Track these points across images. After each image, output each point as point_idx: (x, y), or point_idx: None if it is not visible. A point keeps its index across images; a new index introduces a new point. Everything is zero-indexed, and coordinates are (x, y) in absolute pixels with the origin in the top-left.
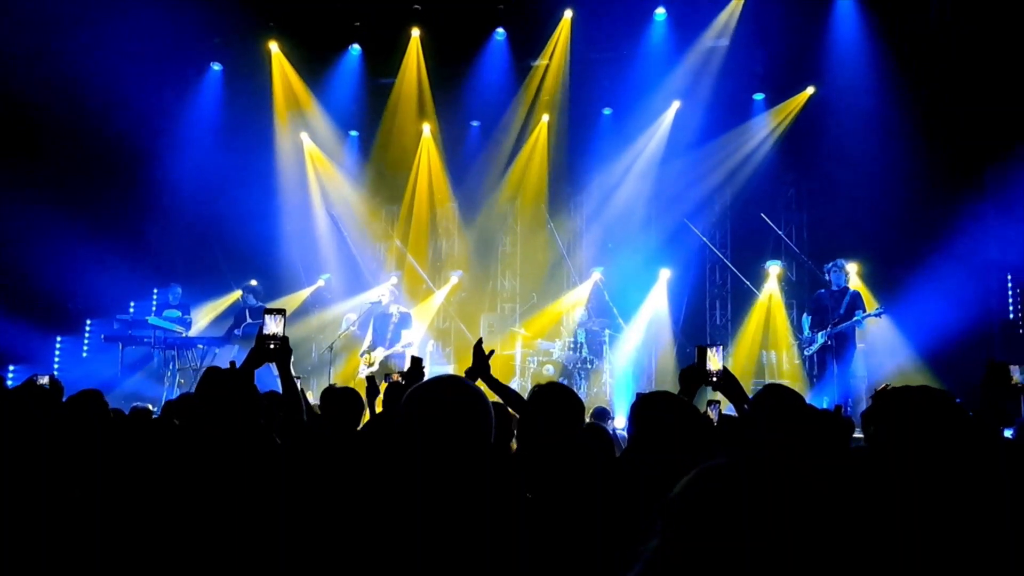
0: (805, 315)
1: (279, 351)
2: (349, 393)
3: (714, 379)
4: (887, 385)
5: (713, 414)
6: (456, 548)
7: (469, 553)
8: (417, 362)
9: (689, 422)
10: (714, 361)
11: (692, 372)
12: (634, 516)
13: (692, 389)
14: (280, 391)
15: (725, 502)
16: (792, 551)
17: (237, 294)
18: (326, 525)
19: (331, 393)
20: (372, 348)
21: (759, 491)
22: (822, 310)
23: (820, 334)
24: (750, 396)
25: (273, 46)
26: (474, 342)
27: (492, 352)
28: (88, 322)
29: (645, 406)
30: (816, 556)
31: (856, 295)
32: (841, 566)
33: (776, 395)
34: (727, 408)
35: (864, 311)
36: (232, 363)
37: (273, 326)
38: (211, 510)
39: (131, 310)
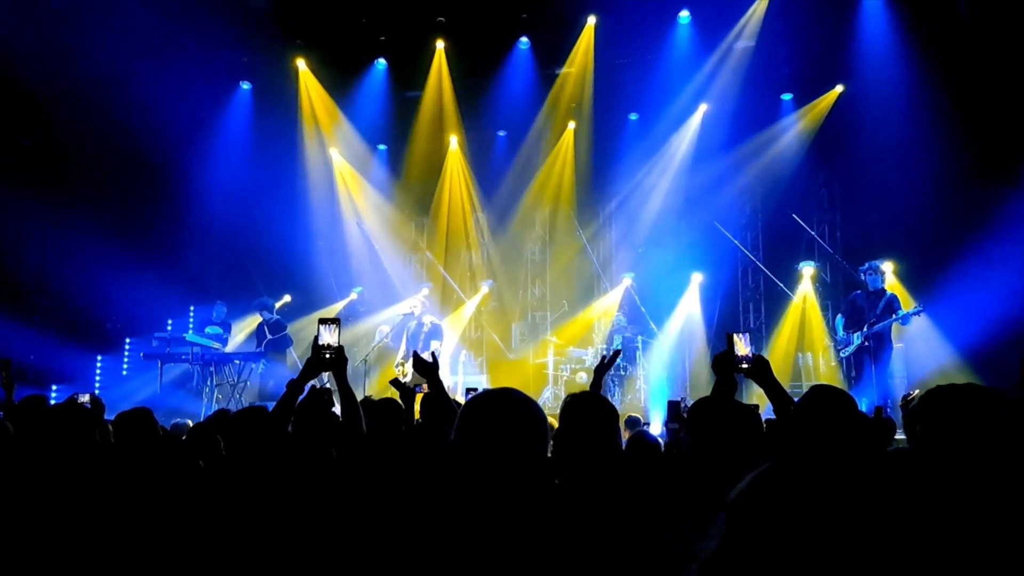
0: (839, 316)
1: (335, 360)
2: (389, 403)
3: (744, 364)
4: (912, 395)
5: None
6: (504, 560)
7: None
8: (418, 358)
9: (742, 426)
10: (741, 346)
11: (722, 359)
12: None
13: (726, 376)
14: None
15: (787, 502)
16: (850, 552)
17: None
18: (387, 534)
19: (369, 404)
20: (406, 359)
21: (819, 492)
22: (858, 311)
23: (856, 335)
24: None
25: (300, 63)
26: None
27: (434, 355)
28: (127, 340)
29: (701, 412)
30: (873, 556)
31: (893, 297)
32: (898, 565)
33: (826, 397)
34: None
35: (902, 310)
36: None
37: (328, 336)
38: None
39: (168, 328)
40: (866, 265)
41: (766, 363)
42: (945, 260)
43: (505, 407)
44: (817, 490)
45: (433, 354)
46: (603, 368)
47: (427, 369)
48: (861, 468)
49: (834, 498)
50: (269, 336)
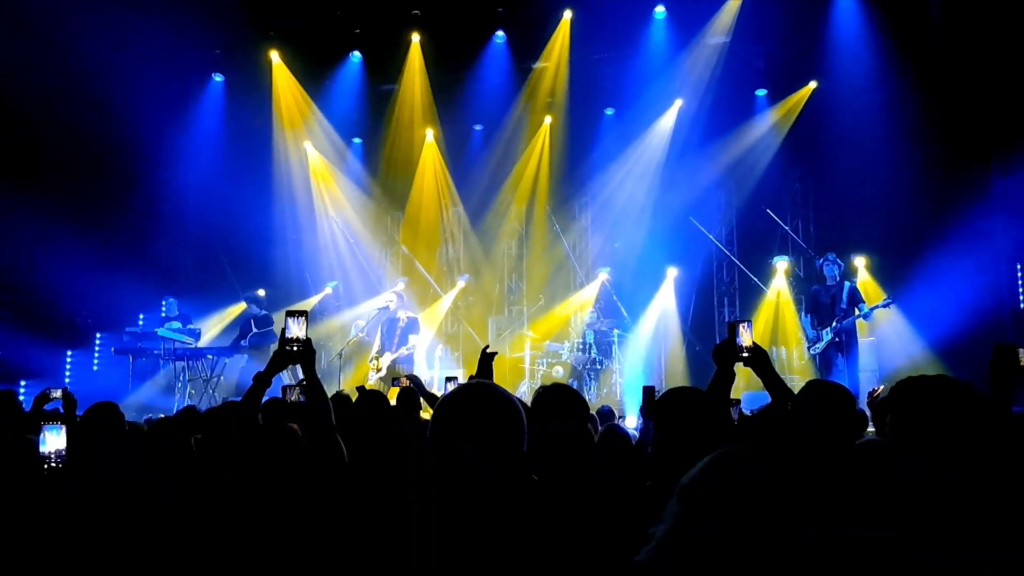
0: (804, 315)
1: (302, 353)
2: (374, 394)
3: (745, 354)
4: (877, 391)
5: (732, 414)
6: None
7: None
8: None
9: (712, 420)
10: (745, 336)
11: (724, 348)
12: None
13: (727, 366)
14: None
15: (738, 487)
16: (804, 537)
17: (244, 305)
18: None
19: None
20: (380, 353)
21: (771, 478)
22: (821, 307)
23: (826, 331)
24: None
25: (274, 56)
26: (482, 347)
27: (495, 353)
28: (98, 335)
29: (668, 404)
30: (828, 543)
31: (853, 287)
32: (857, 552)
33: (828, 391)
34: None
35: (864, 303)
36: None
37: (296, 328)
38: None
39: (140, 322)
40: (822, 258)
41: (766, 354)
42: (916, 254)
43: (482, 402)
44: (770, 474)
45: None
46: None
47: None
48: (830, 457)
49: (788, 483)
50: (255, 330)
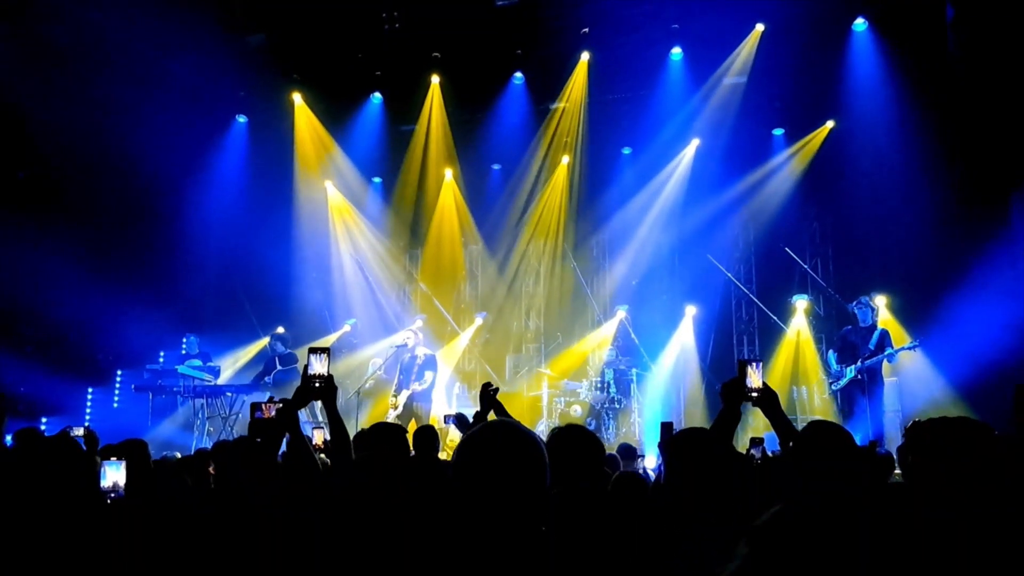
0: (831, 352)
1: (324, 390)
2: (393, 428)
3: (753, 395)
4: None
5: (756, 453)
6: None
7: None
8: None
9: (724, 463)
10: (754, 377)
11: (733, 387)
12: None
13: (733, 405)
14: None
15: (810, 538)
16: None
17: (264, 341)
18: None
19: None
20: (398, 391)
21: (841, 531)
22: (849, 347)
23: (849, 368)
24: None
25: (296, 97)
26: (493, 385)
27: (497, 389)
28: (119, 372)
29: (681, 445)
30: None
31: (884, 332)
32: None
33: (823, 433)
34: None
35: (893, 347)
36: (271, 398)
37: (318, 365)
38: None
39: (160, 360)
40: (855, 301)
41: (775, 395)
42: (937, 294)
43: (505, 440)
44: (826, 526)
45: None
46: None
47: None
48: (860, 504)
49: (840, 533)
50: (279, 368)
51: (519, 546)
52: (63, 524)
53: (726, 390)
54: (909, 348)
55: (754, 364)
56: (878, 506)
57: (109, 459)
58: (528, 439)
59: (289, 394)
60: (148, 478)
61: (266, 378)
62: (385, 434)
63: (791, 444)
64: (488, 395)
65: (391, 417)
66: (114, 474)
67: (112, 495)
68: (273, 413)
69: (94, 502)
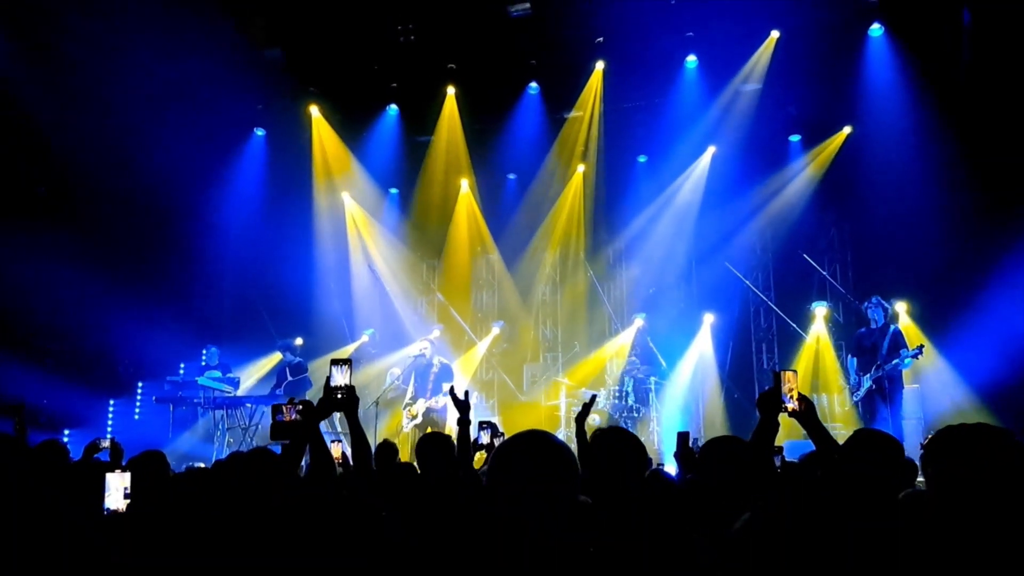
0: (850, 357)
1: (346, 401)
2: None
3: (790, 406)
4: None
5: (776, 462)
6: None
7: None
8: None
9: (751, 469)
10: (791, 388)
11: (769, 398)
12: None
13: (771, 417)
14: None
15: (782, 542)
16: None
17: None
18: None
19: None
20: (414, 400)
21: (819, 534)
22: (865, 350)
23: (866, 378)
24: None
25: (314, 110)
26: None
27: (467, 392)
28: (140, 384)
29: (710, 452)
30: None
31: (898, 332)
32: None
33: (873, 441)
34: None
35: (906, 347)
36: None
37: (339, 376)
38: None
39: (181, 371)
40: (867, 301)
41: (812, 405)
42: (957, 299)
43: (538, 448)
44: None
45: (466, 392)
46: (582, 417)
47: (462, 406)
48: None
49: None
50: (290, 378)
51: (555, 552)
52: (40, 533)
53: (762, 401)
54: (913, 354)
55: (791, 374)
56: (901, 514)
57: (113, 470)
58: (559, 446)
59: None
60: (164, 489)
61: (277, 390)
62: (437, 444)
63: (833, 452)
64: (457, 398)
65: (408, 426)
66: (118, 484)
67: (114, 506)
68: (294, 416)
69: (83, 512)
